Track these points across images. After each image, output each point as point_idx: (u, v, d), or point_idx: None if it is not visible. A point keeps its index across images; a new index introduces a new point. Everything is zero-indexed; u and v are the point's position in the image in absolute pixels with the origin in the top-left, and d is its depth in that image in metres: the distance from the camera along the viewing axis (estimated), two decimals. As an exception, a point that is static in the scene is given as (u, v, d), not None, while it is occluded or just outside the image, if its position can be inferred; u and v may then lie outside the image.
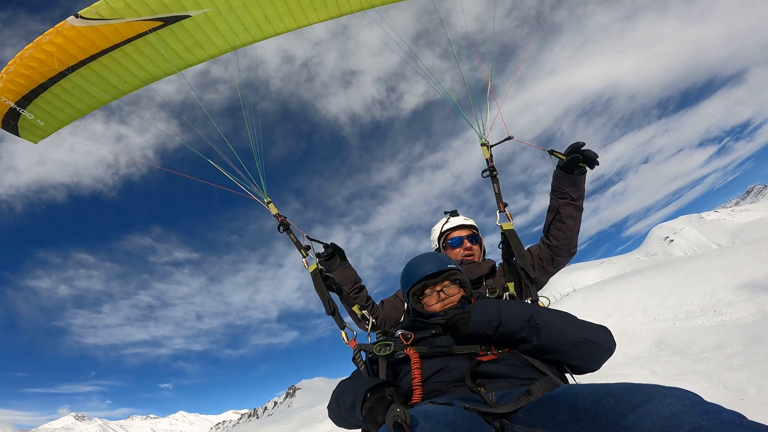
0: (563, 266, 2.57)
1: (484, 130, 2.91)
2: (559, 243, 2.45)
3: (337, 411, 1.88)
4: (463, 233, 2.87)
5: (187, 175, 3.65)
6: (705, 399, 1.04)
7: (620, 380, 1.22)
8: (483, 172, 2.76)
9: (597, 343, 1.70)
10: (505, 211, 2.55)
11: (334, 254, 2.84)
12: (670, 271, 20.10)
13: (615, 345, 1.77)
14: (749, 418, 0.94)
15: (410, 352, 1.81)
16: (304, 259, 2.70)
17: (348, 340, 2.29)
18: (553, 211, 2.46)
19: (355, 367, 2.12)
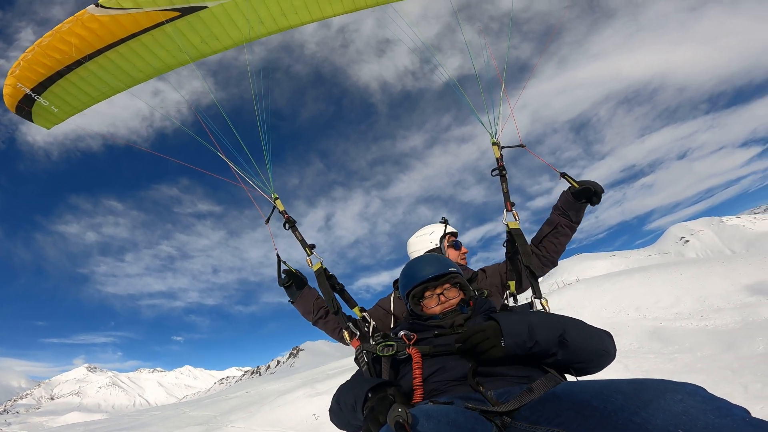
0: (544, 275, 2.69)
1: (495, 129, 2.91)
2: (548, 255, 2.58)
3: (338, 412, 1.86)
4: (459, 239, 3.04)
5: (193, 167, 3.63)
6: (715, 395, 1.05)
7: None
8: (492, 171, 2.77)
9: (609, 352, 1.74)
10: (512, 210, 2.61)
11: (291, 284, 2.70)
12: (674, 272, 20.26)
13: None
14: None
15: (413, 351, 1.81)
16: (308, 258, 2.70)
17: (350, 340, 2.28)
18: (552, 225, 2.58)
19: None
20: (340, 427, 1.96)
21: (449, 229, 3.06)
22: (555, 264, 2.62)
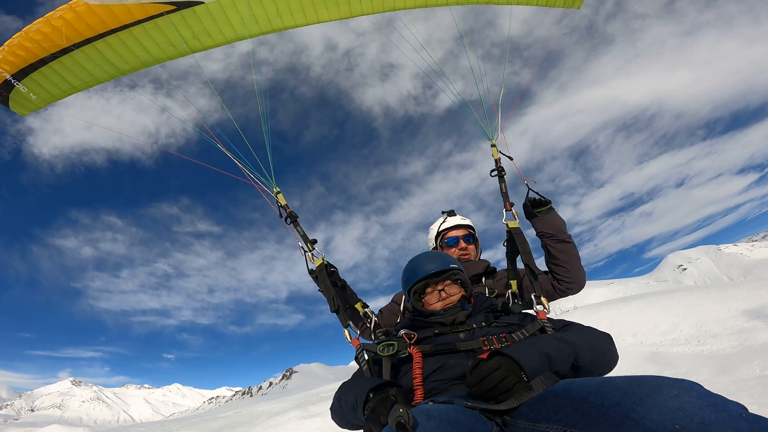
0: (574, 294, 2.58)
1: (493, 131, 3.03)
2: (563, 278, 2.45)
3: (339, 411, 1.86)
4: (459, 233, 2.91)
5: (194, 160, 3.57)
6: (712, 391, 1.05)
7: None
8: (491, 171, 2.84)
9: (612, 365, 1.79)
10: (511, 209, 2.60)
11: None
12: (671, 299, 20.21)
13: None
14: None
15: (413, 351, 1.80)
16: (310, 253, 2.66)
17: (351, 339, 2.25)
18: (545, 249, 2.52)
19: (357, 367, 2.11)
20: (340, 425, 1.94)
21: (446, 224, 2.96)
22: (580, 285, 2.47)
